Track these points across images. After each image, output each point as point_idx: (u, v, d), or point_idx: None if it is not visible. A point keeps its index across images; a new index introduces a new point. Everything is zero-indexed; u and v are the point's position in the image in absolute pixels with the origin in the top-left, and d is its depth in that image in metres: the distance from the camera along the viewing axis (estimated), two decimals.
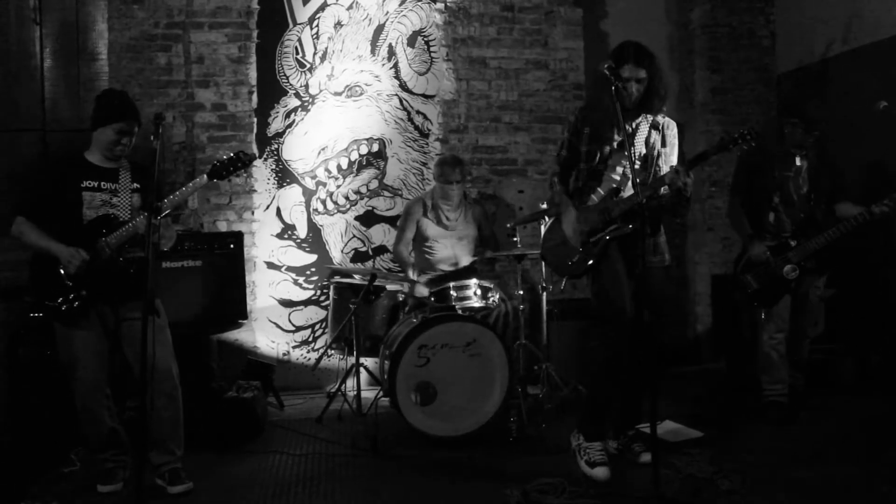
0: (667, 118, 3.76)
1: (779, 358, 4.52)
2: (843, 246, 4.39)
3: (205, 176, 3.57)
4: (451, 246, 5.12)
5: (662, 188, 3.51)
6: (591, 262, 3.65)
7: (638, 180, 3.32)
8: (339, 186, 5.83)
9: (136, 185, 3.62)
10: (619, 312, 3.58)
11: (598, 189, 3.70)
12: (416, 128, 5.96)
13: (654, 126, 3.69)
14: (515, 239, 4.89)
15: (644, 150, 3.66)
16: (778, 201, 4.51)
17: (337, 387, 4.92)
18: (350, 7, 5.82)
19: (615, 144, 3.65)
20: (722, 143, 3.42)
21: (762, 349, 4.58)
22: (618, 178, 3.67)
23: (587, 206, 3.71)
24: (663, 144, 3.71)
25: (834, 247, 4.38)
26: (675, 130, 3.79)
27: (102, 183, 3.55)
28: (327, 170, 5.80)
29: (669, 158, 3.72)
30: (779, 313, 4.50)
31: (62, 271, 3.44)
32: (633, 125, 3.66)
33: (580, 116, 3.77)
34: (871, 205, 4.23)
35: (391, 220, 5.84)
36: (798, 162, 4.51)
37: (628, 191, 3.61)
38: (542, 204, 4.82)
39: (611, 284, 3.64)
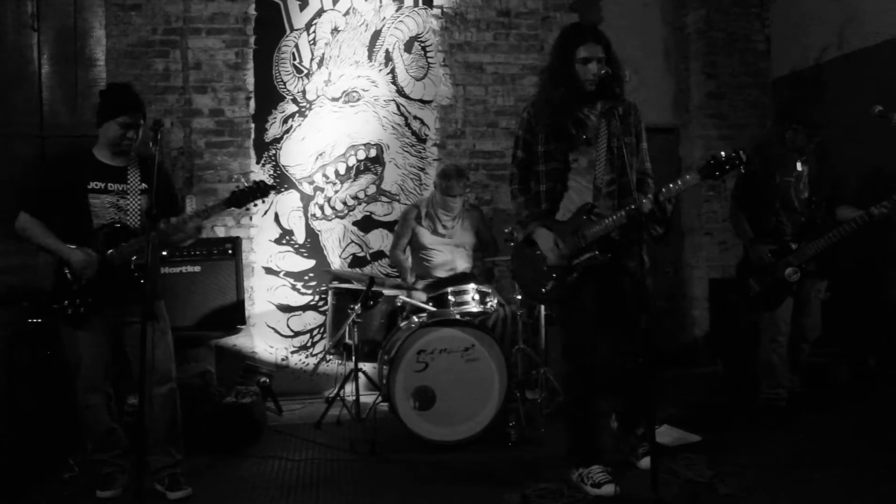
0: (627, 101, 3.46)
1: (780, 362, 4.54)
2: (841, 248, 4.41)
3: (221, 203, 3.56)
4: (448, 252, 5.12)
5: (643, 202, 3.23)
6: (565, 292, 3.46)
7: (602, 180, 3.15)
8: (336, 192, 5.84)
9: (144, 185, 3.58)
10: (582, 365, 3.49)
11: (568, 195, 3.48)
12: (414, 133, 5.97)
13: (613, 114, 3.34)
14: (513, 244, 4.89)
15: (607, 142, 3.38)
16: (779, 206, 4.53)
17: (336, 392, 4.92)
18: (347, 13, 5.84)
19: (578, 140, 3.41)
20: (708, 168, 3.15)
21: (763, 354, 4.59)
22: (588, 186, 3.44)
23: (558, 225, 3.47)
24: (626, 133, 3.42)
25: (833, 250, 4.40)
26: (638, 114, 3.52)
27: (110, 184, 3.51)
28: (325, 175, 5.81)
29: (640, 146, 3.51)
30: (781, 317, 4.52)
31: (68, 275, 3.44)
32: (593, 117, 3.41)
33: (532, 112, 3.51)
34: (870, 207, 4.25)
35: (389, 226, 5.85)
36: (799, 167, 4.53)
37: (602, 203, 3.41)
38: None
39: (579, 328, 3.49)
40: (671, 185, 3.24)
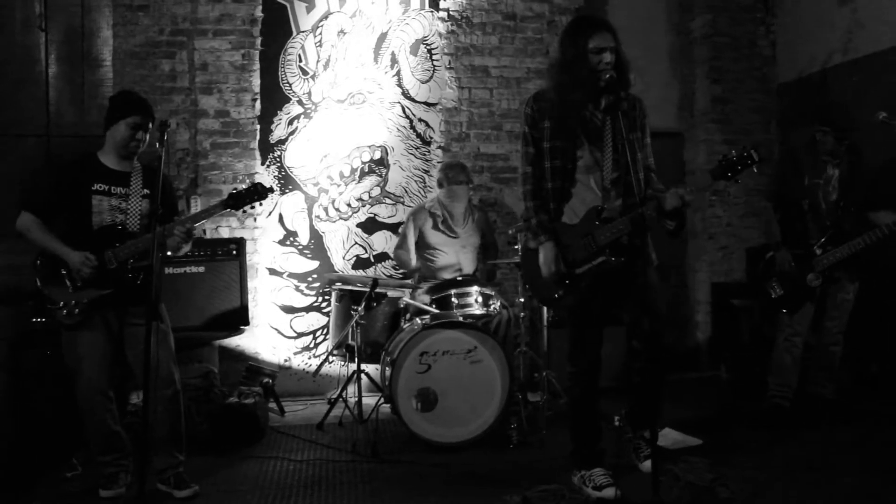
0: (631, 95, 3.42)
1: (792, 362, 4.54)
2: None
3: (219, 204, 3.59)
4: (453, 254, 5.13)
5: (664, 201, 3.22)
6: (578, 297, 3.40)
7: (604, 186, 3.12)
8: (341, 193, 5.85)
9: (146, 190, 3.59)
10: (586, 367, 3.48)
11: (573, 196, 3.42)
12: (419, 135, 5.98)
13: (618, 109, 3.27)
14: (517, 246, 4.90)
15: (613, 140, 3.32)
16: (806, 208, 4.52)
17: (338, 393, 4.93)
18: (353, 15, 5.86)
19: (583, 138, 3.36)
20: (720, 169, 3.10)
21: (777, 350, 4.60)
22: (593, 185, 3.39)
23: (566, 228, 3.43)
24: (633, 129, 3.39)
25: (862, 255, 4.36)
26: (643, 108, 3.48)
27: (113, 187, 3.53)
28: (329, 177, 5.83)
29: (644, 142, 3.46)
30: (798, 318, 4.52)
31: (65, 278, 3.45)
32: (598, 113, 3.36)
33: (536, 108, 3.44)
34: None
35: (393, 228, 5.86)
36: (829, 170, 4.49)
37: (610, 205, 3.37)
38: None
39: (584, 331, 3.48)
40: (680, 192, 3.21)
